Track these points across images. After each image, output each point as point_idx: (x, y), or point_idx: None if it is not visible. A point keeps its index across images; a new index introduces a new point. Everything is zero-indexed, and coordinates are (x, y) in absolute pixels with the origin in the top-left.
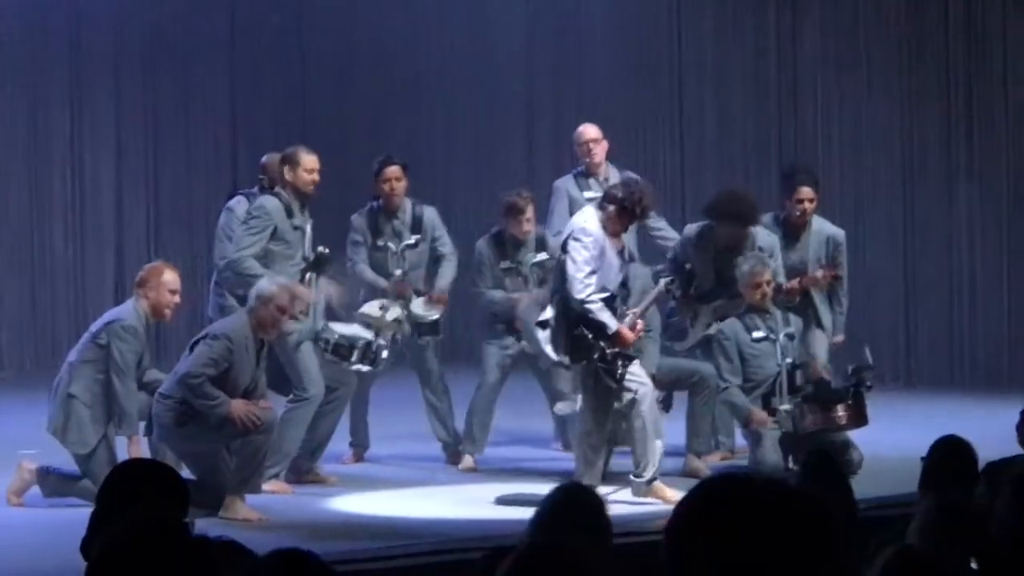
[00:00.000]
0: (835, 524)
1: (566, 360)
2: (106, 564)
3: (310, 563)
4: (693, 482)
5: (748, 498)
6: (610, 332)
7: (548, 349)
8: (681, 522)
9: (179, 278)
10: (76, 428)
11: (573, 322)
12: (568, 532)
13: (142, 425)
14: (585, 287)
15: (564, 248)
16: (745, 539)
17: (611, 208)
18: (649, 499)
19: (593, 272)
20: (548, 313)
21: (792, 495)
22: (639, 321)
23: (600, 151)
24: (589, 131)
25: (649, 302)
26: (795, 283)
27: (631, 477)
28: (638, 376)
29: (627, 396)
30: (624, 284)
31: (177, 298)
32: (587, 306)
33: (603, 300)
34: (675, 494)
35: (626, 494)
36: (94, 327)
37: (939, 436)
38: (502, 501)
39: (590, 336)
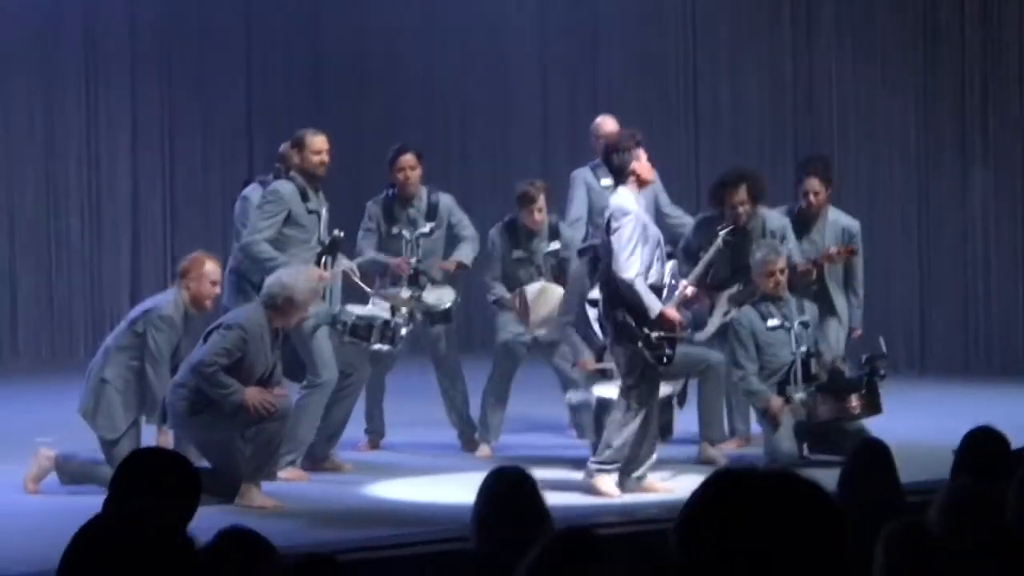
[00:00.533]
0: (845, 515)
1: (610, 343)
2: (76, 560)
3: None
4: (708, 470)
5: (759, 489)
6: (653, 315)
7: (596, 327)
8: (694, 514)
9: (220, 269)
10: (106, 412)
11: (617, 305)
12: (509, 518)
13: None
14: (630, 265)
15: (608, 230)
16: (757, 531)
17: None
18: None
19: (637, 248)
20: (596, 293)
21: (803, 486)
22: (690, 289)
23: None
24: (608, 124)
25: (707, 262)
26: (809, 263)
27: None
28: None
29: (679, 383)
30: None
31: (218, 289)
32: (633, 286)
33: (651, 284)
34: (664, 487)
35: (681, 480)
36: (132, 314)
37: (952, 424)
38: None
39: (634, 324)
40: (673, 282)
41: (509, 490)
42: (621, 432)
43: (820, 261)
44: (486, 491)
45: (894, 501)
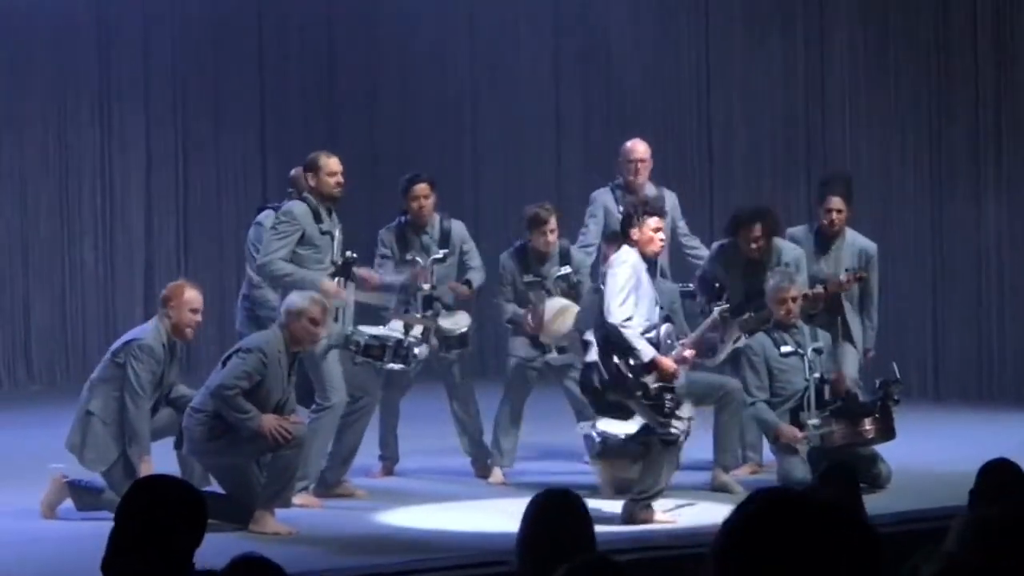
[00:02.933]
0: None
1: (605, 389)
2: None
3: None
4: (720, 496)
5: (799, 514)
6: (645, 360)
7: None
8: (733, 540)
9: (201, 296)
10: (93, 446)
11: (612, 352)
12: (552, 539)
13: (171, 440)
14: (621, 311)
15: (603, 281)
16: (796, 555)
17: (625, 225)
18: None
19: (629, 296)
20: (593, 355)
21: (841, 515)
22: (688, 352)
23: (645, 171)
24: (639, 149)
25: (702, 330)
26: (820, 290)
27: (634, 498)
28: (686, 417)
29: (673, 432)
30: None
31: (199, 317)
32: (622, 330)
33: (644, 332)
34: (664, 517)
35: (694, 509)
36: (114, 346)
37: (966, 451)
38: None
39: (630, 376)
40: (669, 342)
41: (557, 512)
42: (666, 472)
43: (831, 289)
44: (533, 511)
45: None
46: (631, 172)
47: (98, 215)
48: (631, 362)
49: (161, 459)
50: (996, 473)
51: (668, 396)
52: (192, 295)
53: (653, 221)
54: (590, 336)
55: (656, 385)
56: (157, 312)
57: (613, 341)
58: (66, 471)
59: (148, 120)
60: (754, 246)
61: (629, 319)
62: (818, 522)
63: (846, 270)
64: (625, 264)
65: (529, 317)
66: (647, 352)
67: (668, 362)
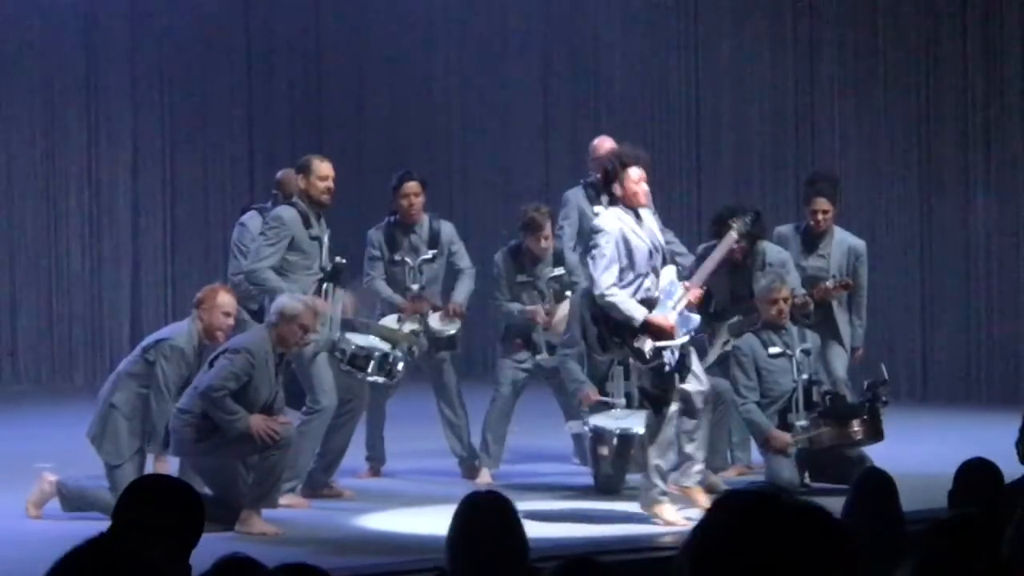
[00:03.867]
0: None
1: (600, 354)
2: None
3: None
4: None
5: (771, 513)
6: (637, 323)
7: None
8: (704, 541)
9: (235, 301)
10: (112, 438)
11: (602, 322)
12: (481, 541)
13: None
14: (603, 280)
15: (590, 252)
16: (769, 555)
17: (607, 186)
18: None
19: (612, 264)
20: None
21: (813, 510)
22: (693, 292)
23: None
24: (605, 145)
25: (718, 260)
26: (806, 297)
27: (645, 487)
28: (698, 374)
29: (694, 390)
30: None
31: (231, 320)
32: (608, 299)
33: (637, 293)
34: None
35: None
36: (146, 341)
37: (953, 452)
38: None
39: (617, 340)
40: (671, 288)
41: (483, 513)
42: (664, 449)
43: (817, 295)
44: (459, 514)
45: (897, 531)
46: (600, 169)
47: (85, 215)
48: (621, 330)
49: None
50: (972, 472)
51: (666, 354)
52: (226, 299)
53: (634, 172)
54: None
55: (651, 347)
56: (191, 313)
57: (603, 310)
58: (53, 471)
59: (135, 120)
60: (735, 247)
61: (613, 286)
62: (792, 522)
63: (832, 276)
64: (602, 233)
65: (541, 309)
66: (638, 314)
67: (663, 319)
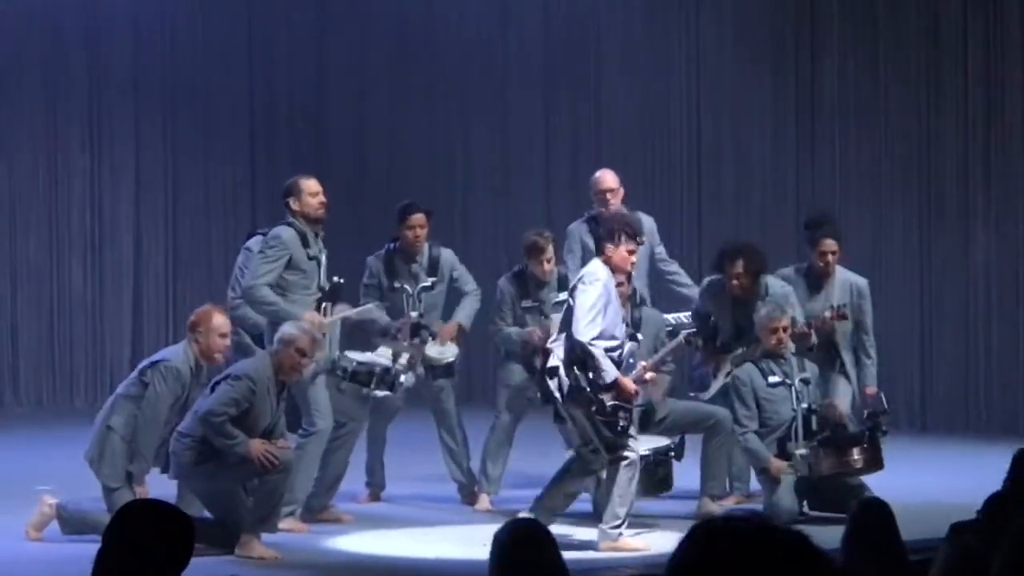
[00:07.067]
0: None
1: (565, 406)
2: None
3: None
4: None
5: (745, 540)
6: (608, 381)
7: (557, 395)
8: (681, 566)
9: (230, 322)
10: (110, 460)
11: (574, 368)
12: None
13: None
14: (588, 330)
15: (572, 294)
16: None
17: (602, 242)
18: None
19: (598, 316)
20: (556, 360)
21: (788, 536)
22: (649, 374)
23: (616, 200)
24: (607, 179)
25: (664, 353)
26: (804, 327)
27: (603, 527)
28: (636, 442)
29: (622, 452)
30: (636, 328)
31: (227, 342)
32: (589, 348)
33: (609, 349)
34: (641, 543)
35: (652, 536)
36: (143, 363)
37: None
38: None
39: (587, 389)
40: (632, 361)
41: (525, 542)
42: (623, 495)
43: (815, 326)
44: (500, 542)
45: (898, 560)
46: (602, 203)
47: (87, 239)
48: (590, 376)
49: (159, 484)
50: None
51: (622, 414)
52: (220, 321)
53: (632, 244)
54: (554, 345)
55: (612, 403)
56: (187, 336)
57: (578, 355)
58: (52, 493)
59: (137, 145)
60: (735, 283)
61: (596, 338)
62: (770, 550)
63: (831, 306)
64: (598, 282)
65: (538, 329)
66: (611, 372)
67: (629, 383)
